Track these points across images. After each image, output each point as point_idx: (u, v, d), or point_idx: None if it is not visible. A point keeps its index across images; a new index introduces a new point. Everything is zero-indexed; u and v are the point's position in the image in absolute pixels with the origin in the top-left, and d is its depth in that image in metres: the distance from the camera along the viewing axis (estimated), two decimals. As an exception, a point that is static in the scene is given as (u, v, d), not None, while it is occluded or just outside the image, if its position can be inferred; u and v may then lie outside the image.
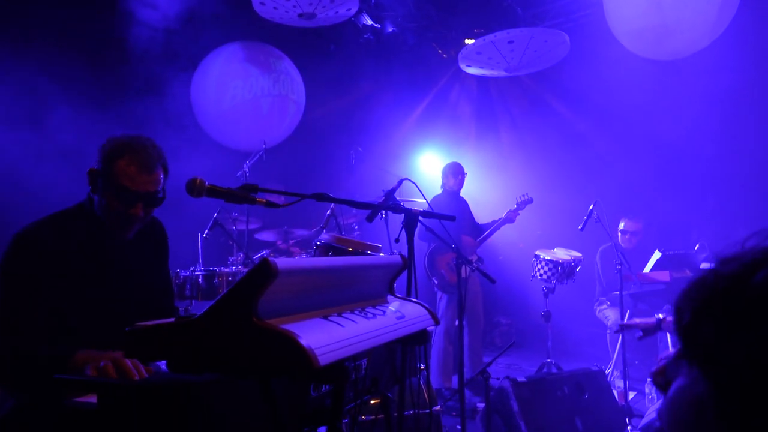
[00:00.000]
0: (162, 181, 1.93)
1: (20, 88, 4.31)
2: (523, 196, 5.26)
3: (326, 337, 1.20)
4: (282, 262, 1.14)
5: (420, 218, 2.36)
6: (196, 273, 3.90)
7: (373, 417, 2.70)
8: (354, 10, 5.67)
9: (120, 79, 4.98)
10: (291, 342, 1.08)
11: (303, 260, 1.31)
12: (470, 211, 5.44)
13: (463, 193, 5.45)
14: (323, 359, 1.11)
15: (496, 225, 5.22)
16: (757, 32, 5.42)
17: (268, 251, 5.02)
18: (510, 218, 5.20)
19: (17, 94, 4.32)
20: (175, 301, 2.51)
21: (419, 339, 1.79)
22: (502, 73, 6.27)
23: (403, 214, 2.30)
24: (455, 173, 5.35)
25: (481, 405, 4.35)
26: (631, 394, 4.54)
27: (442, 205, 5.17)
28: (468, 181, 5.44)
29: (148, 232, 2.10)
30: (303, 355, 1.08)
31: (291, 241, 5.40)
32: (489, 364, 4.00)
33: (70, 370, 1.57)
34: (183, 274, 3.88)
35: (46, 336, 1.73)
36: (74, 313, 1.81)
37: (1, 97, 4.28)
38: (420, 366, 2.97)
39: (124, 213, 1.85)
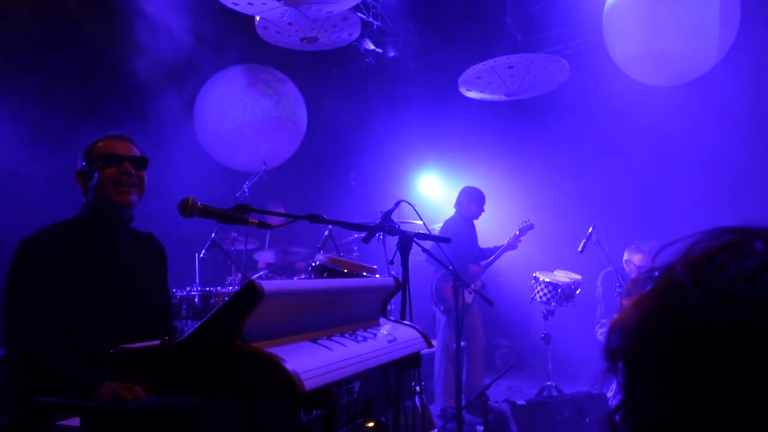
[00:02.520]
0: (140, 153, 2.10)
1: (16, 114, 4.29)
2: (525, 222, 5.34)
3: (314, 361, 1.19)
4: (268, 284, 1.13)
5: (416, 240, 2.37)
6: (192, 293, 3.89)
7: (367, 442, 2.66)
8: (356, 35, 5.74)
9: (121, 99, 5.02)
10: (276, 366, 1.08)
11: (290, 282, 1.31)
12: (476, 237, 5.47)
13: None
14: (309, 384, 1.10)
15: (498, 252, 5.31)
16: (757, 57, 5.46)
17: (266, 271, 5.00)
18: (512, 245, 5.29)
19: (12, 120, 4.30)
20: (174, 321, 2.50)
21: (412, 362, 1.77)
22: (502, 98, 6.32)
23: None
24: (478, 201, 5.33)
25: (480, 428, 4.29)
26: (632, 420, 4.48)
27: (458, 229, 5.17)
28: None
29: (148, 246, 2.20)
30: (288, 379, 1.07)
31: (298, 262, 5.38)
32: (488, 386, 3.96)
33: (93, 397, 1.58)
34: (179, 293, 3.87)
35: (54, 336, 1.78)
36: (77, 315, 1.86)
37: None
38: (416, 388, 2.94)
39: (117, 175, 1.98)
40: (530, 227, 5.32)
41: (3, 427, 1.73)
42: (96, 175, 1.98)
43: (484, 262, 5.34)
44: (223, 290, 3.93)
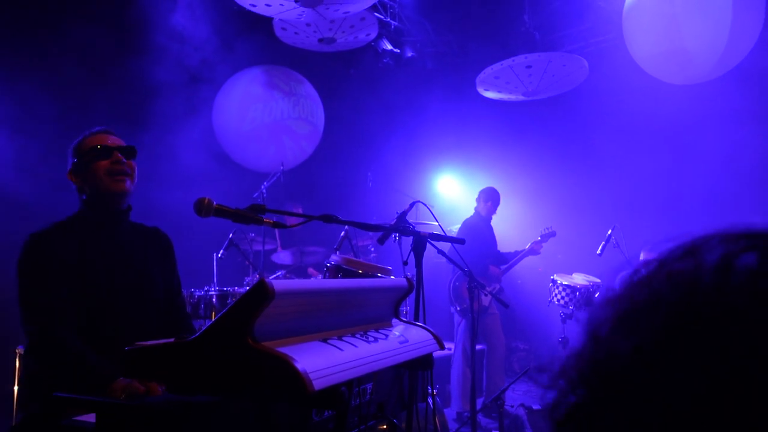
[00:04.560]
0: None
1: (37, 116, 4.27)
2: (547, 229, 5.35)
3: (323, 361, 1.20)
4: (279, 284, 1.14)
5: (430, 241, 2.36)
6: (210, 293, 3.92)
7: (380, 443, 2.66)
8: (373, 35, 5.76)
9: (137, 102, 5.06)
10: (285, 365, 1.08)
11: (301, 282, 1.32)
12: (495, 239, 5.45)
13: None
14: (318, 384, 1.11)
15: (520, 256, 5.31)
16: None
17: (283, 272, 5.03)
18: (534, 250, 5.30)
19: (35, 123, 4.28)
20: (192, 321, 2.52)
21: (424, 364, 1.77)
22: (521, 98, 6.27)
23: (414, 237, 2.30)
24: (492, 200, 5.35)
25: (495, 433, 4.26)
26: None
27: (477, 229, 5.19)
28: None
29: (154, 238, 2.23)
30: (297, 379, 1.08)
31: (310, 268, 5.40)
32: (504, 390, 3.93)
33: (107, 389, 1.62)
34: (197, 293, 3.90)
35: (69, 322, 1.83)
36: (85, 305, 1.90)
37: (20, 125, 4.28)
38: (430, 391, 2.93)
39: (110, 165, 2.04)
40: (552, 234, 5.32)
41: (20, 423, 1.76)
42: (89, 169, 2.04)
43: (504, 266, 5.32)
44: (241, 290, 3.96)
